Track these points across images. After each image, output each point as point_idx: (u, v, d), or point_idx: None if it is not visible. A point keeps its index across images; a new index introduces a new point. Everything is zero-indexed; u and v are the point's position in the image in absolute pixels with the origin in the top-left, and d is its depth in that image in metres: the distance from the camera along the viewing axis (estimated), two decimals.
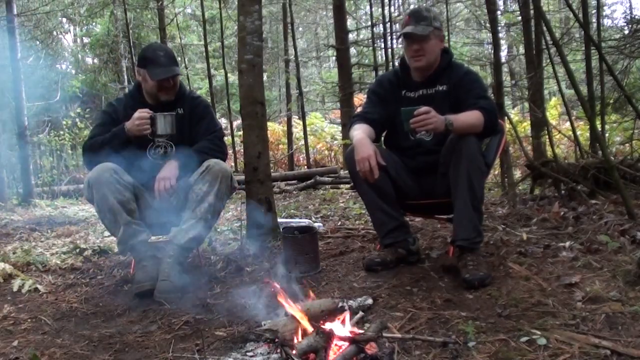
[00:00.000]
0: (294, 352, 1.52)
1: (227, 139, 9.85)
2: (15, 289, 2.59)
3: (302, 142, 11.23)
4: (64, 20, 14.79)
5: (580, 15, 4.23)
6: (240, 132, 6.65)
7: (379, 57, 10.50)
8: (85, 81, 12.76)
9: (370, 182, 2.29)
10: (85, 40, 15.31)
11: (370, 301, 2.06)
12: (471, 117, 2.26)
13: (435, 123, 2.18)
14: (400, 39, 2.73)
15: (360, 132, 2.40)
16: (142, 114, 2.48)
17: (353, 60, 9.64)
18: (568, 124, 5.10)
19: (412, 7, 16.01)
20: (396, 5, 15.69)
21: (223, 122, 12.43)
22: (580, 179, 3.55)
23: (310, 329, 1.63)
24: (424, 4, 13.07)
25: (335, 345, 1.58)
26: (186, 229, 2.46)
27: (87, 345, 1.89)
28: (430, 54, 2.41)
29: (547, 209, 3.34)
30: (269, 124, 9.59)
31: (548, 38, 3.74)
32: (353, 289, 2.26)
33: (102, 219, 2.54)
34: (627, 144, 5.08)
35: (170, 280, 2.33)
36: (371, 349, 1.59)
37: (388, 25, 8.64)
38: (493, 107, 2.33)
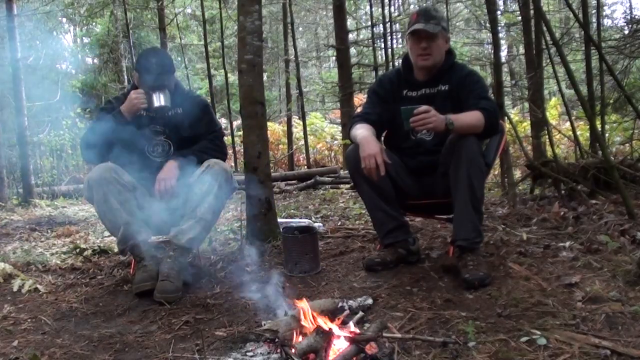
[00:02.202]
0: (294, 352, 1.52)
1: (227, 139, 9.85)
2: (15, 289, 2.59)
3: (302, 142, 11.22)
4: (64, 20, 14.79)
5: (580, 15, 4.23)
6: (240, 132, 6.65)
7: (379, 57, 10.50)
8: (85, 81, 12.76)
9: (374, 180, 2.28)
10: (85, 40, 15.31)
11: (370, 301, 2.06)
12: (472, 117, 2.25)
13: (435, 122, 2.18)
14: (403, 38, 2.72)
15: (364, 130, 2.40)
16: (137, 90, 2.54)
17: (353, 60, 9.64)
18: (568, 124, 5.10)
19: (412, 7, 16.02)
20: (396, 5, 15.71)
21: (223, 122, 12.44)
22: (580, 179, 3.55)
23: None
24: (425, 4, 13.09)
25: (335, 345, 1.58)
26: (186, 229, 2.46)
27: (87, 345, 1.89)
28: (437, 54, 2.41)
29: (547, 209, 3.34)
30: (269, 124, 9.60)
31: (548, 38, 3.74)
32: (353, 289, 2.26)
33: (102, 218, 2.54)
34: (627, 144, 5.08)
35: (170, 280, 2.33)
36: (371, 349, 1.59)
37: (388, 25, 8.64)
38: (494, 108, 2.33)
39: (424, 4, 13.67)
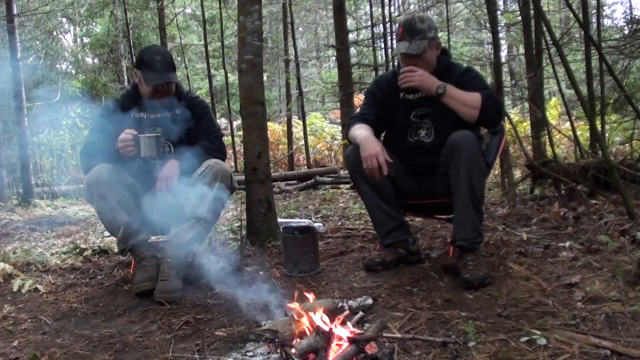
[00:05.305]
0: (293, 352, 1.52)
1: (227, 139, 9.84)
2: (15, 289, 2.59)
3: (302, 142, 11.23)
4: (64, 20, 14.80)
5: (580, 15, 4.23)
6: (240, 132, 6.65)
7: (379, 57, 10.50)
8: (85, 81, 12.76)
9: (377, 179, 2.28)
10: (85, 40, 15.31)
11: (370, 301, 2.06)
12: (468, 95, 2.26)
13: (419, 81, 2.25)
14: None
15: (363, 130, 2.39)
16: (125, 135, 2.40)
17: (353, 60, 9.63)
18: (568, 124, 5.10)
19: (412, 7, 16.00)
20: (396, 5, 15.70)
21: (223, 122, 12.44)
22: (580, 179, 3.55)
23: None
24: (424, 4, 13.09)
25: (336, 345, 1.58)
26: (186, 228, 2.46)
27: (87, 345, 1.89)
28: (426, 67, 2.38)
29: (547, 209, 3.34)
30: (269, 124, 9.59)
31: (548, 38, 3.74)
32: (353, 289, 2.26)
33: (101, 219, 2.54)
34: (627, 144, 5.08)
35: (170, 280, 2.33)
36: (371, 349, 1.59)
37: (388, 25, 8.64)
38: (495, 96, 2.32)
39: (424, 4, 13.67)
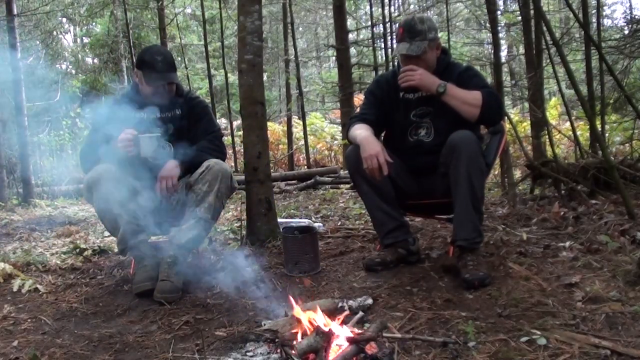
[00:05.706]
0: (293, 352, 1.52)
1: (227, 139, 9.84)
2: (15, 289, 2.58)
3: (302, 142, 11.23)
4: (64, 20, 14.80)
5: (580, 15, 4.23)
6: (240, 132, 6.65)
7: (379, 57, 10.49)
8: (85, 81, 12.77)
9: (377, 179, 2.28)
10: (85, 40, 15.32)
11: (370, 301, 2.06)
12: (469, 94, 2.26)
13: (419, 80, 2.26)
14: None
15: (363, 130, 2.39)
16: (125, 135, 2.40)
17: (353, 60, 9.63)
18: (568, 124, 5.10)
19: (412, 7, 15.99)
20: (396, 5, 15.70)
21: (223, 122, 12.44)
22: (580, 179, 3.55)
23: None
24: (424, 4, 13.08)
25: (336, 345, 1.58)
26: (186, 229, 2.46)
27: (87, 345, 1.89)
28: (427, 67, 2.38)
29: (547, 209, 3.34)
30: (269, 124, 9.60)
31: (548, 38, 3.74)
32: (353, 289, 2.26)
33: (101, 219, 2.54)
34: (627, 144, 5.08)
35: (170, 280, 2.33)
36: (371, 349, 1.59)
37: (388, 25, 8.64)
38: (496, 94, 2.32)
39: (424, 4, 13.67)
